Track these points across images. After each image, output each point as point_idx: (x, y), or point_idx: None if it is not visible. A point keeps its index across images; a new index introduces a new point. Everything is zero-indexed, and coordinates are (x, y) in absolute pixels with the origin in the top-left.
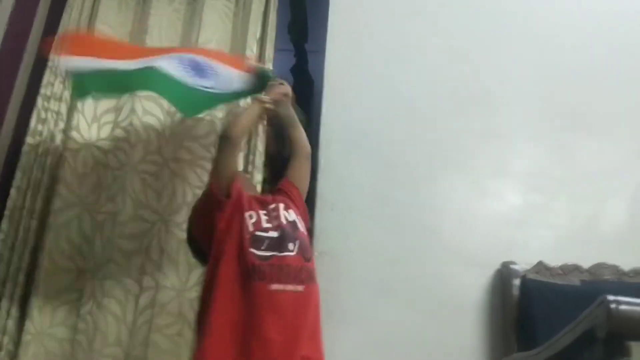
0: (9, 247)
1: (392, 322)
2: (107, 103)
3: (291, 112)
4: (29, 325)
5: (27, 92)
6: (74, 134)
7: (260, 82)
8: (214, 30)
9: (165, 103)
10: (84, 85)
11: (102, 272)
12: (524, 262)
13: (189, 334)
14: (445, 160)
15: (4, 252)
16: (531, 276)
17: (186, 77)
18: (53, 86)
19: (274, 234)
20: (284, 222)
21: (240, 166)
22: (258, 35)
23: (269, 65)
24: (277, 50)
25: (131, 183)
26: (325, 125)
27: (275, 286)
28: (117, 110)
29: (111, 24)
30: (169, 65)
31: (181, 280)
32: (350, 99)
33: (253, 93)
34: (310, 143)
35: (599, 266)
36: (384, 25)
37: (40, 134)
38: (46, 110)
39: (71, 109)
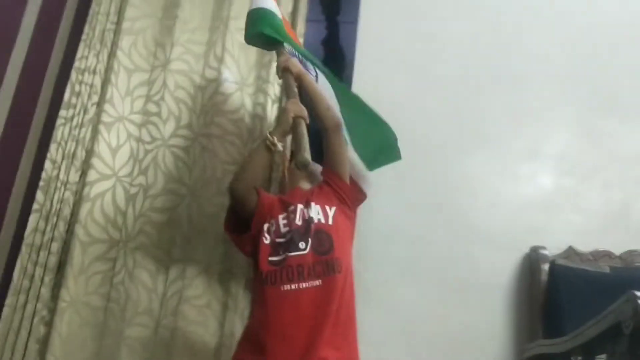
0: (45, 217)
1: (417, 303)
2: (139, 76)
3: (309, 84)
4: (64, 293)
5: (62, 65)
6: (108, 107)
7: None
8: (245, 4)
9: (196, 77)
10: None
11: (134, 244)
12: (553, 247)
13: (216, 306)
14: (475, 140)
15: (40, 222)
16: (560, 262)
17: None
18: (87, 59)
19: (289, 236)
20: (298, 223)
21: None
22: (290, 9)
23: (300, 40)
24: (309, 21)
25: (162, 157)
26: None
27: (286, 287)
28: (150, 83)
29: None
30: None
31: (210, 253)
32: (380, 74)
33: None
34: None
35: (630, 253)
36: (416, 2)
37: (74, 106)
38: (80, 83)
39: (105, 83)
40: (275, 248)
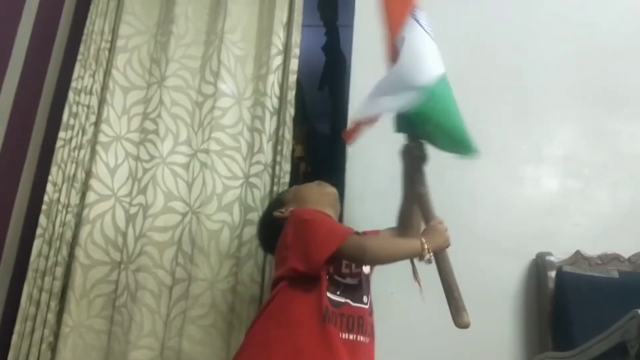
0: (47, 241)
1: (422, 314)
2: (135, 94)
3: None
4: (67, 318)
5: (57, 85)
6: (104, 126)
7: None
8: (240, 17)
9: (192, 93)
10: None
11: (135, 265)
12: (560, 252)
13: (222, 325)
14: (478, 143)
15: (43, 246)
16: (567, 269)
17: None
18: (83, 79)
19: (351, 280)
20: (365, 271)
21: (269, 157)
22: (285, 20)
23: (295, 51)
24: (306, 26)
25: (161, 175)
26: (353, 106)
27: (345, 335)
28: (146, 101)
29: (137, 14)
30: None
31: (213, 271)
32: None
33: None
34: (338, 127)
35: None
36: None
37: (72, 127)
38: (77, 103)
39: (101, 102)
40: (333, 285)
